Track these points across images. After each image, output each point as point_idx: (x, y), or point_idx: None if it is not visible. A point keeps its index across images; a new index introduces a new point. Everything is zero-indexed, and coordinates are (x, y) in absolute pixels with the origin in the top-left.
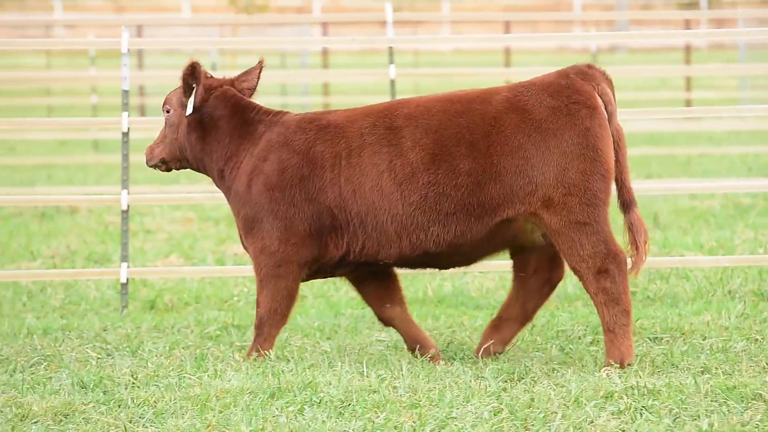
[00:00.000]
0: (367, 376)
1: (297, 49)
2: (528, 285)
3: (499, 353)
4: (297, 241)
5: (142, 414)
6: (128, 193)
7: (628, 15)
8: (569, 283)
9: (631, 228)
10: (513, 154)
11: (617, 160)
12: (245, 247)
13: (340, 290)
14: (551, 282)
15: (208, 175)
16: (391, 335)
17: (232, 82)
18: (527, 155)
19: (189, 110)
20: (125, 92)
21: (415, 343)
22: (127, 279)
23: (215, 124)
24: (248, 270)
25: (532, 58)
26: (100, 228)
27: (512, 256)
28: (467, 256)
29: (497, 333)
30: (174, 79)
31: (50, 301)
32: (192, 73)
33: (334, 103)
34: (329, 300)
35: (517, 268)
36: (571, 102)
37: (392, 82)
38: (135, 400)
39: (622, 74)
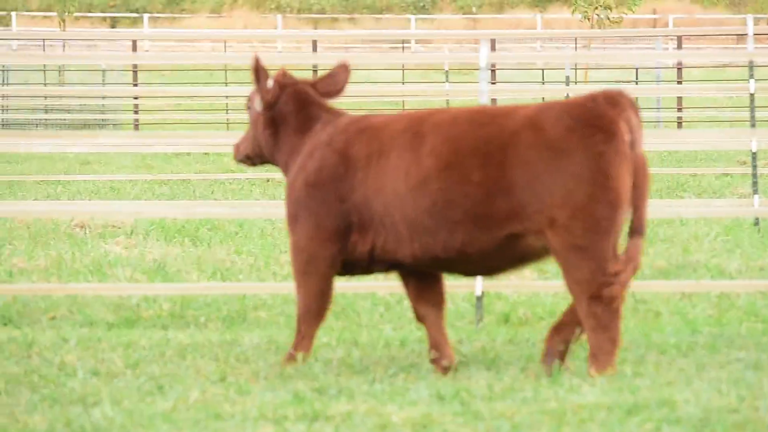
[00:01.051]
0: (727, 395)
1: (650, 63)
2: None
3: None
4: (324, 237)
5: (498, 427)
6: None
7: None
8: None
9: (625, 257)
10: (524, 169)
11: (636, 187)
12: None
13: (696, 307)
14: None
15: (283, 171)
16: (750, 353)
17: (313, 84)
18: (537, 172)
19: (258, 106)
20: None
21: (434, 348)
22: (482, 292)
23: (284, 119)
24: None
25: None
26: None
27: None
28: (482, 266)
29: (560, 334)
30: (525, 93)
31: (407, 313)
32: (256, 69)
33: (686, 117)
34: (685, 317)
35: None
36: (589, 125)
37: (752, 96)
38: (492, 413)
39: None
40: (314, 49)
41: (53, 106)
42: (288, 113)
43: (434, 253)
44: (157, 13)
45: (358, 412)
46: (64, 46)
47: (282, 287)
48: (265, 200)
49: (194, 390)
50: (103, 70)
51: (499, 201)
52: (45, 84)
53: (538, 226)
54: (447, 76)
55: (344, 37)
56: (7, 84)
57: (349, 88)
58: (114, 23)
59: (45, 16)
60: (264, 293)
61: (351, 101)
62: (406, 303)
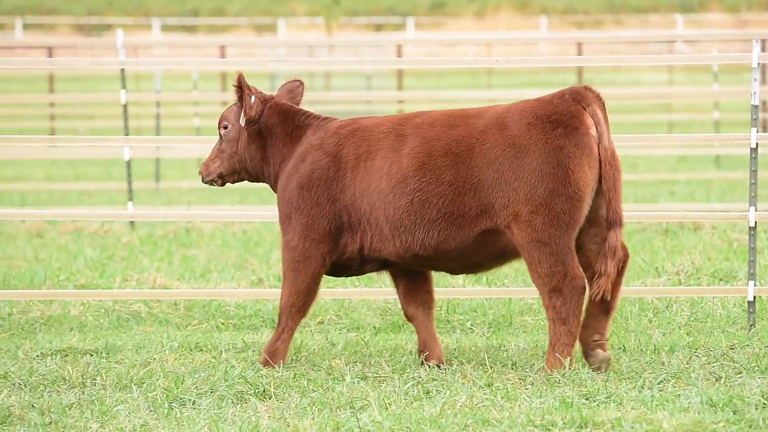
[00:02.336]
0: None
1: None
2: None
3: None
4: (316, 238)
5: None
6: (755, 210)
7: None
8: None
9: (605, 250)
10: (489, 167)
11: (605, 179)
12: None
13: None
14: (619, 267)
15: (267, 182)
16: None
17: (281, 98)
18: (501, 169)
19: (242, 121)
20: (755, 107)
21: (423, 347)
22: (754, 297)
23: (271, 131)
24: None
25: None
26: (724, 245)
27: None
28: (463, 263)
29: (586, 329)
30: None
31: (676, 318)
32: (239, 85)
33: None
34: None
35: (584, 263)
36: (549, 121)
37: None
38: (765, 421)
39: None
40: (579, 51)
41: (319, 111)
42: (273, 125)
43: (414, 251)
44: (422, 16)
45: (627, 418)
46: (330, 51)
47: None
48: None
49: (461, 395)
50: (369, 75)
51: (469, 199)
52: (311, 89)
53: (506, 221)
54: (716, 77)
55: (609, 39)
56: (275, 90)
57: (615, 91)
58: (379, 28)
59: (311, 23)
60: (530, 297)
61: (615, 104)
62: (675, 308)
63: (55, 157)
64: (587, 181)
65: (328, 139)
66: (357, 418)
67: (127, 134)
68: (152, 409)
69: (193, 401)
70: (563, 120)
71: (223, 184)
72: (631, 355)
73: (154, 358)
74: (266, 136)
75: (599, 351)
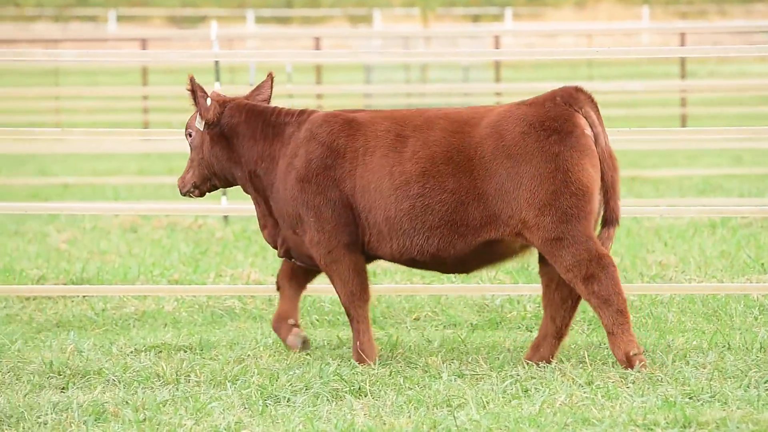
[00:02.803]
0: None
1: None
2: (554, 301)
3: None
4: (330, 228)
5: None
6: None
7: None
8: None
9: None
10: (491, 179)
11: (604, 179)
12: (271, 242)
13: None
14: (573, 296)
15: (237, 184)
16: None
17: (246, 98)
18: (502, 181)
19: (200, 125)
20: None
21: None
22: None
23: (235, 132)
24: None
25: None
26: None
27: (539, 273)
28: (457, 267)
29: (537, 353)
30: None
31: None
32: (192, 89)
33: None
34: None
35: (544, 285)
36: (543, 128)
37: None
38: None
39: None
40: (682, 42)
41: (415, 104)
42: (236, 125)
43: (410, 254)
44: (521, 6)
45: (733, 418)
46: (426, 43)
47: (650, 287)
48: (632, 198)
49: (561, 393)
50: (465, 67)
51: (473, 209)
52: (407, 81)
53: (516, 230)
54: None
55: (713, 29)
56: (370, 82)
57: (720, 83)
58: (476, 19)
59: (407, 15)
60: (631, 294)
61: (717, 96)
62: None
63: (148, 150)
64: (591, 178)
65: (318, 129)
66: (454, 416)
67: None
68: (246, 406)
69: (288, 398)
70: (556, 126)
71: (200, 195)
72: (736, 354)
73: (249, 355)
74: (230, 136)
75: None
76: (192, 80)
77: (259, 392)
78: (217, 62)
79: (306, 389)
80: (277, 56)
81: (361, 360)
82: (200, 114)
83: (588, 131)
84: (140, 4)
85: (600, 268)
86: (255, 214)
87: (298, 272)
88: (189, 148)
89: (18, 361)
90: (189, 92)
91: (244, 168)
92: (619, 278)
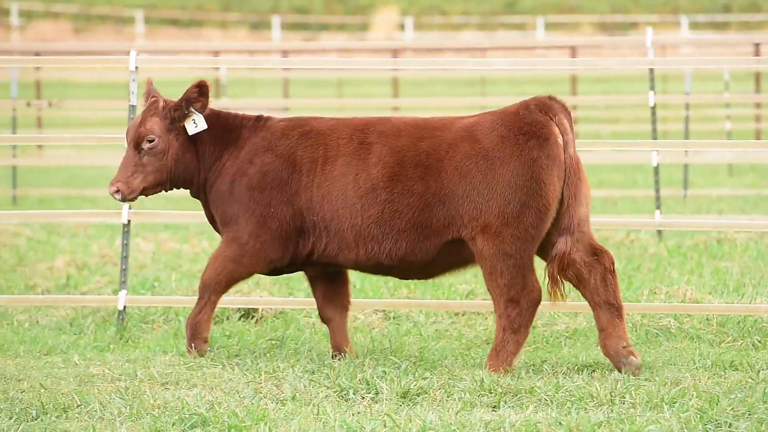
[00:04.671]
0: None
1: None
2: (592, 286)
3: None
4: (267, 239)
5: None
6: None
7: None
8: None
9: (554, 257)
10: (461, 180)
11: (567, 187)
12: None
13: None
14: (607, 268)
15: (188, 188)
16: None
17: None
18: (474, 182)
19: (203, 127)
20: None
21: (336, 350)
22: None
23: (200, 138)
24: None
25: None
26: None
27: (566, 280)
28: (422, 271)
29: (610, 339)
30: None
31: None
32: (203, 92)
33: None
34: None
35: (576, 282)
36: (521, 133)
37: None
38: None
39: None
40: None
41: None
42: (205, 131)
43: (377, 259)
44: None
45: None
46: None
47: None
48: None
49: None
50: None
51: (438, 210)
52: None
53: (472, 233)
54: None
55: None
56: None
57: None
58: None
59: None
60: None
61: None
62: None
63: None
64: (555, 193)
65: (277, 140)
66: None
67: (654, 138)
68: (685, 431)
69: (729, 423)
70: (535, 131)
71: (134, 199)
72: None
73: (686, 376)
74: (196, 143)
75: (632, 358)
76: (203, 84)
77: (698, 416)
78: (651, 70)
79: (749, 414)
80: (716, 63)
81: (192, 337)
82: (195, 121)
83: (560, 140)
84: (569, 11)
85: (527, 299)
86: (690, 228)
87: (335, 297)
88: (135, 152)
89: (449, 378)
90: (192, 96)
91: (202, 174)
92: (534, 313)
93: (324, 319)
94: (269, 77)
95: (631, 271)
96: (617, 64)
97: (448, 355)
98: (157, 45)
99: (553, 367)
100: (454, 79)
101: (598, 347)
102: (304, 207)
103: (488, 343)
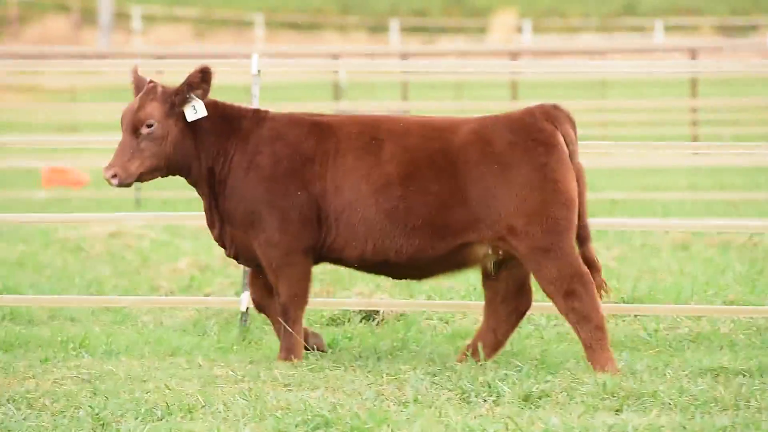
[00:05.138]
0: None
1: None
2: (498, 313)
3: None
4: (294, 230)
5: None
6: None
7: None
8: None
9: (590, 265)
10: (476, 182)
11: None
12: (222, 243)
13: None
14: (519, 310)
15: (185, 176)
16: None
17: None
18: (488, 185)
19: (202, 114)
20: None
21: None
22: None
23: (199, 126)
24: None
25: None
26: None
27: (483, 285)
28: (422, 271)
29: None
30: None
31: None
32: (205, 79)
33: None
34: None
35: (487, 297)
36: (530, 139)
37: None
38: None
39: None
40: None
41: None
42: (203, 119)
43: (386, 256)
44: None
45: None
46: None
47: None
48: None
49: None
50: None
51: (457, 211)
52: None
53: (499, 234)
54: None
55: None
56: None
57: None
58: None
59: None
60: None
61: None
62: None
63: (697, 164)
64: (575, 191)
65: (286, 130)
66: None
67: None
68: None
69: None
70: (542, 138)
71: (129, 185)
72: None
73: None
74: (196, 130)
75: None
76: (207, 70)
77: None
78: None
79: None
80: None
81: (287, 359)
82: (195, 108)
83: (565, 149)
84: (688, 13)
85: (581, 285)
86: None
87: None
88: (133, 137)
89: (572, 381)
90: (195, 81)
91: (202, 163)
92: (596, 294)
93: (258, 309)
94: (388, 80)
95: (754, 275)
96: (738, 66)
97: (570, 358)
98: (277, 48)
99: (675, 370)
100: (573, 82)
101: (722, 351)
102: (318, 196)
103: (611, 346)
